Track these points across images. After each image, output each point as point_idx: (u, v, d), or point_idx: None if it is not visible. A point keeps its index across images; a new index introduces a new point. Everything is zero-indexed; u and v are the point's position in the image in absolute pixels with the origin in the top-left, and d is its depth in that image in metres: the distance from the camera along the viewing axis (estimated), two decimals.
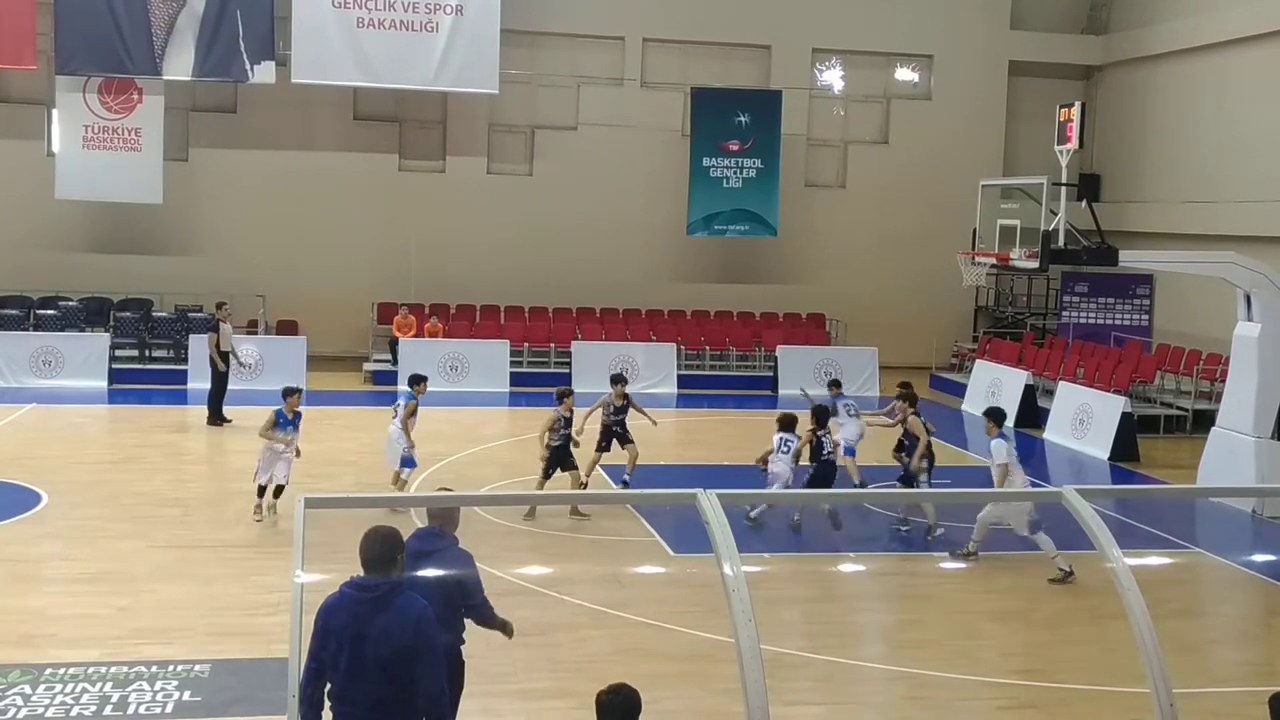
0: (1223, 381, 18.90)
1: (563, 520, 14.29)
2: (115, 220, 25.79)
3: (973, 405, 23.38)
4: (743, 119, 27.33)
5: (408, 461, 14.87)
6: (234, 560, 12.62)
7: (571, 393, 15.13)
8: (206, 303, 24.24)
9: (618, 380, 16.12)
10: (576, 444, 14.91)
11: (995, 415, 13.84)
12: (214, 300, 21.82)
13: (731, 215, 27.48)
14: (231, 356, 20.46)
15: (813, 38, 28.44)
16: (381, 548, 6.12)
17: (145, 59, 24.06)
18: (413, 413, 14.91)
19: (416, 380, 15.39)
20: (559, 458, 14.70)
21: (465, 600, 7.24)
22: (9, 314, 24.47)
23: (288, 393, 14.56)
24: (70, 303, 25.11)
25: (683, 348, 26.19)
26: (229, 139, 26.51)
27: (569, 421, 14.82)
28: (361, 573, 6.10)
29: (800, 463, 14.47)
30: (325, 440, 19.39)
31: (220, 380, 20.14)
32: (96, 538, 13.34)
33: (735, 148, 27.35)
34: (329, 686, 6.05)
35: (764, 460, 14.56)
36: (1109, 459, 19.61)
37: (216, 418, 19.98)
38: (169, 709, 8.96)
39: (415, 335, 24.82)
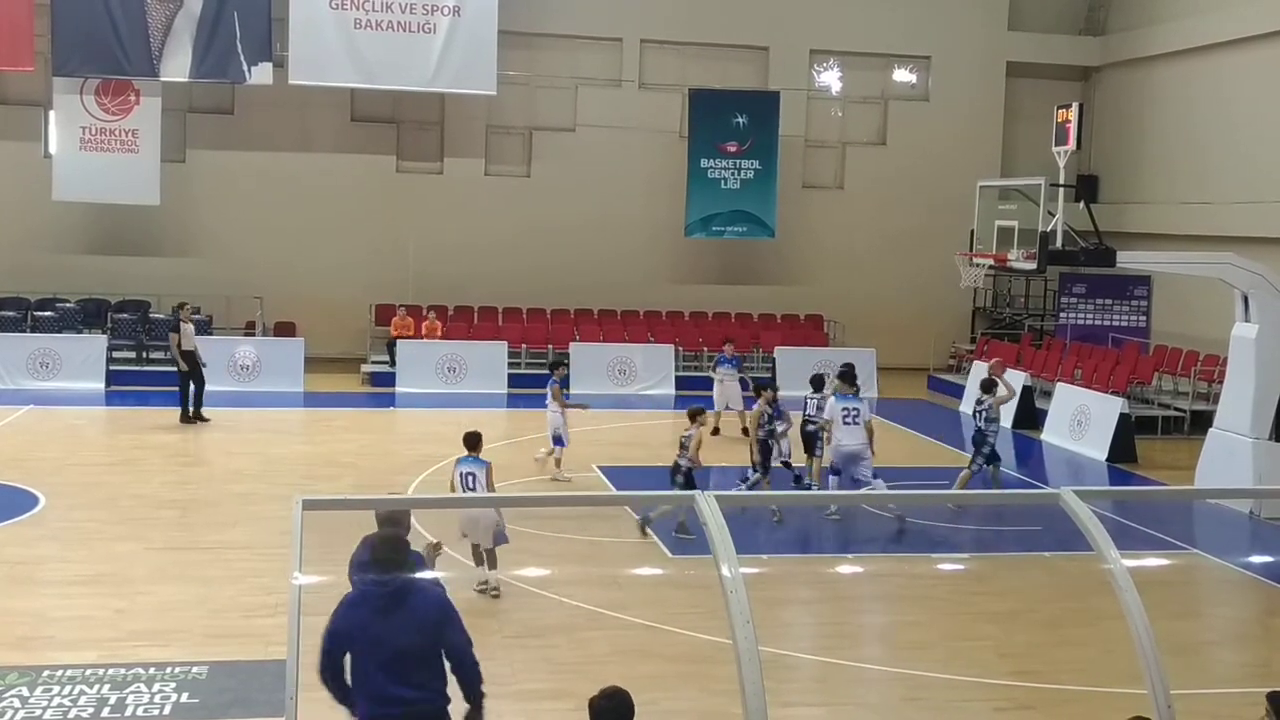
0: (1220, 382, 18.89)
1: (562, 521, 14.25)
2: (112, 222, 25.76)
3: (970, 407, 23.26)
4: (740, 120, 27.33)
5: (559, 439, 16.53)
6: (232, 562, 12.61)
7: (768, 387, 15.64)
8: (205, 304, 24.20)
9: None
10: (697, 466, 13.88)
11: (845, 375, 15.47)
12: (212, 302, 21.81)
13: (729, 216, 27.48)
14: (196, 355, 20.22)
15: (810, 39, 28.43)
16: (388, 551, 6.39)
17: (142, 60, 24.03)
18: (557, 395, 16.60)
19: (557, 365, 17.73)
20: (767, 451, 15.03)
21: None
22: (6, 316, 24.43)
23: (476, 440, 12.05)
24: (67, 304, 25.07)
25: (680, 349, 26.18)
26: (226, 140, 26.49)
27: (773, 416, 15.02)
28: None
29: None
30: (324, 442, 19.44)
31: (186, 379, 20.03)
32: (94, 539, 13.33)
33: (733, 149, 27.35)
34: (354, 677, 6.20)
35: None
36: (1107, 460, 19.61)
37: (192, 416, 19.96)
38: (167, 711, 8.95)
39: (413, 336, 24.81)
